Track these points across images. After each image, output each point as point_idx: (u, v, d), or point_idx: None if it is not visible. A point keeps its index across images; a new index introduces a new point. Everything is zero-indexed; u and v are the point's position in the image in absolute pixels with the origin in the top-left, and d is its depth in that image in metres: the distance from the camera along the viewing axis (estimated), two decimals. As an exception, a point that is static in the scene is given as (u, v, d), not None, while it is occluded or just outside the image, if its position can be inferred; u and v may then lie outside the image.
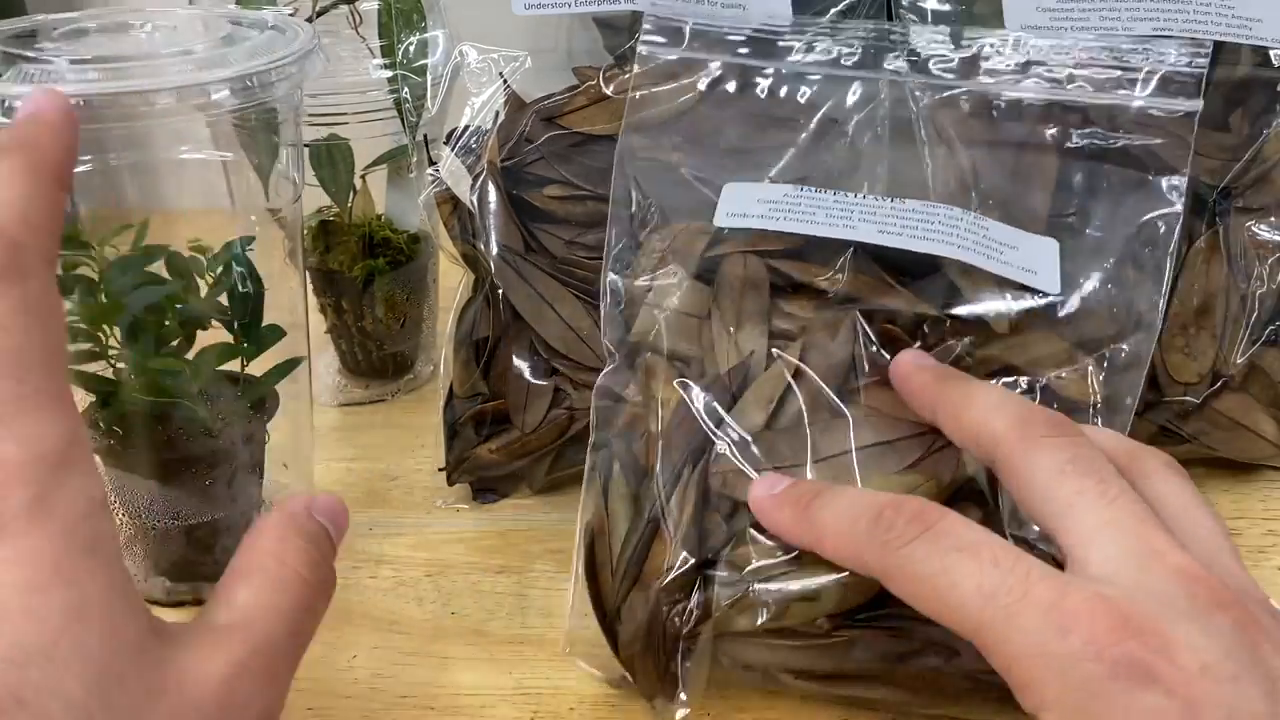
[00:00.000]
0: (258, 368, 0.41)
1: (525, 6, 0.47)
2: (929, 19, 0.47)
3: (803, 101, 0.43)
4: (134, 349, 0.38)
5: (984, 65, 0.41)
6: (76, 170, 0.32)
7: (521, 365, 0.46)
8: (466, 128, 0.47)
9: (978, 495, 0.35)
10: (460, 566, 0.44)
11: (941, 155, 0.41)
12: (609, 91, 0.46)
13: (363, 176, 0.53)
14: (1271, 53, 0.44)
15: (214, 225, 0.40)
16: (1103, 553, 0.27)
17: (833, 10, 0.47)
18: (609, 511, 0.36)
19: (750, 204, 0.40)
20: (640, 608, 0.34)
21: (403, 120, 0.50)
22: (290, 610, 0.29)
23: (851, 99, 0.43)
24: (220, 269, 0.40)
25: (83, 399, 0.39)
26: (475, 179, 0.46)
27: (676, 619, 0.33)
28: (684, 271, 0.39)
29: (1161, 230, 0.38)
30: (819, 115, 0.43)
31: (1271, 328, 0.45)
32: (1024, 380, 0.37)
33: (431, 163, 0.47)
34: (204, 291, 0.40)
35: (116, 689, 0.24)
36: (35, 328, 0.24)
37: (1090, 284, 0.38)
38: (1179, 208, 0.38)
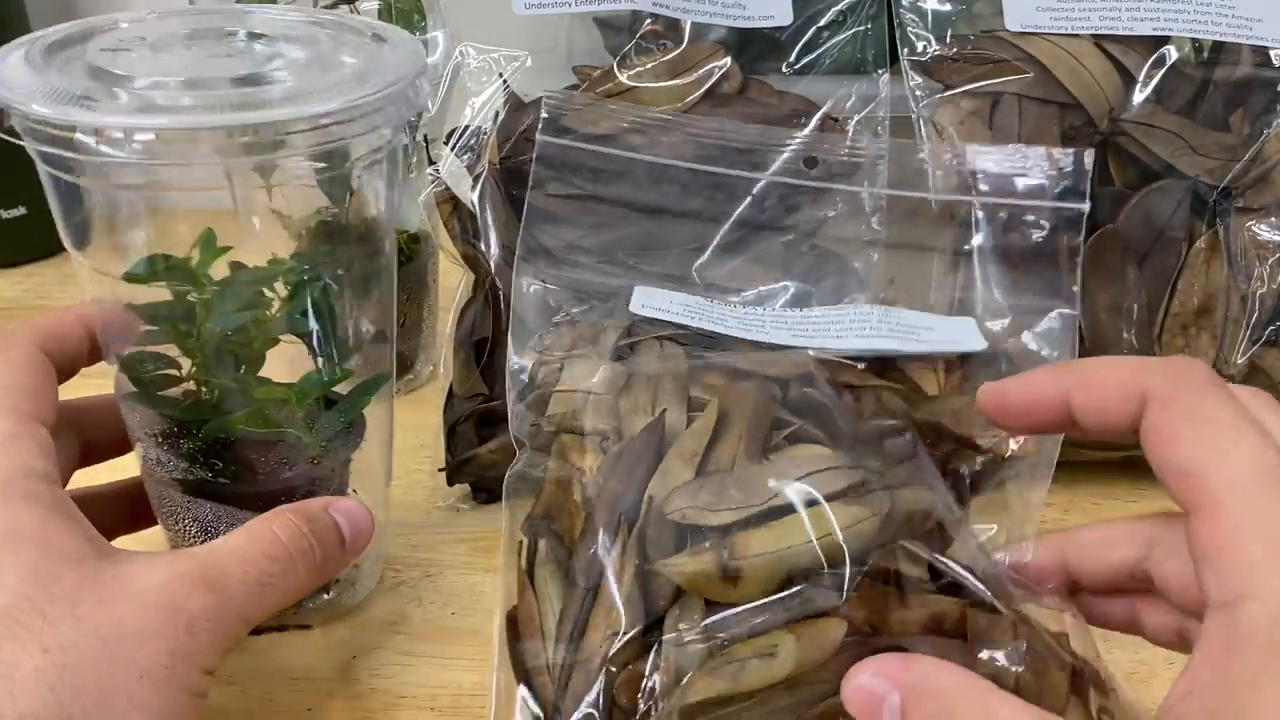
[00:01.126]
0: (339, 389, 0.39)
1: (525, 6, 0.47)
2: (929, 19, 0.47)
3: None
4: (220, 375, 0.36)
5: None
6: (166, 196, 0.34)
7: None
8: (466, 127, 0.47)
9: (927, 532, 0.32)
10: (460, 566, 0.44)
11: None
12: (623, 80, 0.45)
13: (359, 175, 0.53)
14: (1271, 52, 0.44)
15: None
16: None
17: (832, 10, 0.47)
18: (537, 591, 0.33)
19: (664, 302, 0.40)
20: (584, 684, 0.30)
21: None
22: (254, 557, 0.32)
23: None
24: (294, 284, 0.37)
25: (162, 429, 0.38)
26: (475, 179, 0.46)
27: (629, 689, 0.30)
28: (597, 354, 0.38)
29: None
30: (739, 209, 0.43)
31: (1272, 328, 0.45)
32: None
33: (431, 163, 0.47)
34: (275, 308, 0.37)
35: (52, 582, 0.29)
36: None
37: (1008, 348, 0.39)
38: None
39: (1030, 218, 0.40)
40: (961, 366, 0.38)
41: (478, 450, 0.46)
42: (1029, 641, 0.29)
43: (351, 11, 0.51)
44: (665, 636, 0.30)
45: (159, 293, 0.36)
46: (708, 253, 0.43)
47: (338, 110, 0.32)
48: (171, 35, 0.36)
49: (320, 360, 0.38)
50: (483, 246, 0.45)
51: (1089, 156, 0.39)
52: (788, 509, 0.30)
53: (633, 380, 0.36)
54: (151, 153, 0.31)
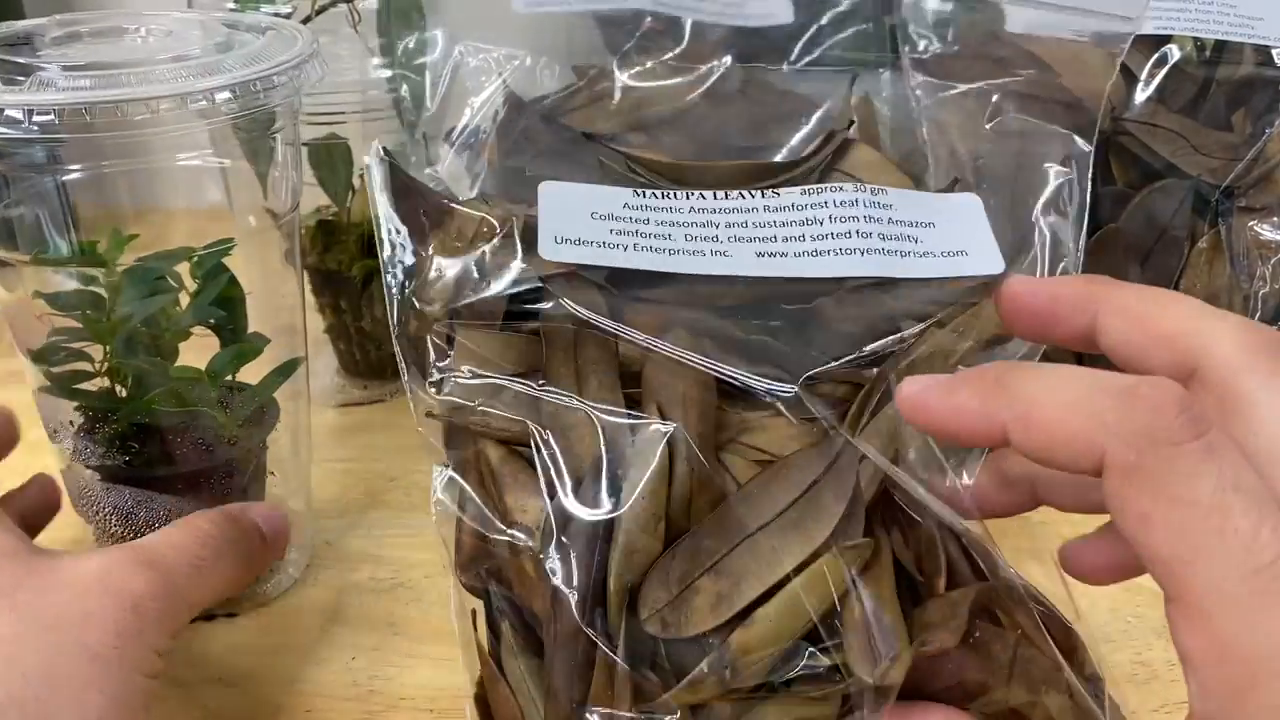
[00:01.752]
0: (253, 375, 0.40)
1: (525, 5, 0.47)
2: (929, 19, 0.47)
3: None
4: (131, 362, 0.37)
5: None
6: (71, 178, 0.35)
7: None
8: (466, 127, 0.47)
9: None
10: (460, 567, 0.44)
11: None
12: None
13: (361, 176, 0.53)
14: (1273, 52, 0.44)
15: (211, 226, 0.39)
16: None
17: (831, 11, 0.47)
18: (510, 681, 0.29)
19: (582, 221, 0.30)
20: None
21: (401, 119, 0.50)
22: (186, 543, 0.34)
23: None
24: (203, 276, 0.38)
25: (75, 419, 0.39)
26: (474, 179, 0.46)
27: None
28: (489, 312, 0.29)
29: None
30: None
31: (1274, 328, 0.45)
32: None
33: (431, 162, 0.47)
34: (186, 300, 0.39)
35: None
36: None
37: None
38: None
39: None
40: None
41: (477, 450, 0.46)
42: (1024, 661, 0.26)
43: (350, 11, 0.50)
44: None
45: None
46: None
47: (209, 88, 0.34)
48: (73, 34, 0.39)
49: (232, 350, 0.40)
50: (482, 246, 0.45)
51: None
52: (783, 580, 0.26)
53: (549, 368, 0.28)
54: (50, 131, 0.32)
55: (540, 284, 0.28)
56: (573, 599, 0.26)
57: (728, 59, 0.45)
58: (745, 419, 0.28)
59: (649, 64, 0.45)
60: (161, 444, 0.39)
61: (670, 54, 0.46)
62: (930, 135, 0.45)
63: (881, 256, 0.29)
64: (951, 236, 0.30)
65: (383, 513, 0.47)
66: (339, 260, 0.53)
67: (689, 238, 0.29)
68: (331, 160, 0.51)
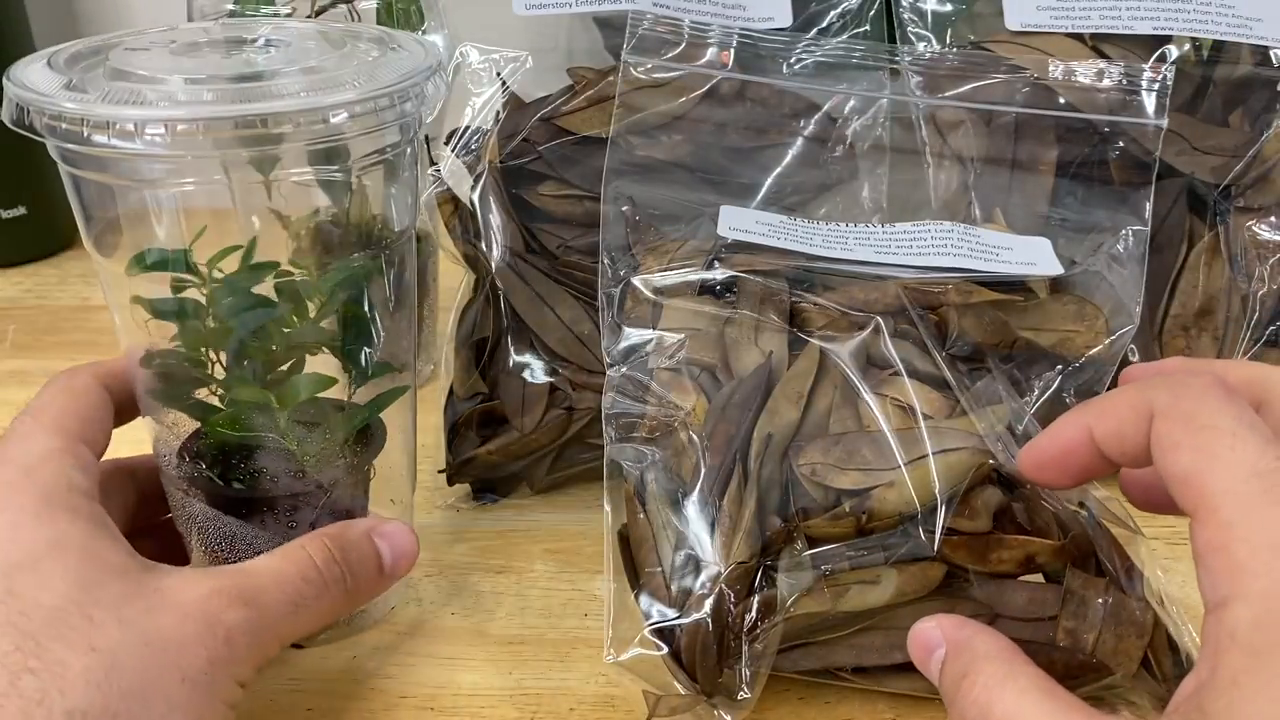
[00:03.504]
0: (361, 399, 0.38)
1: (526, 6, 0.47)
2: (929, 19, 0.47)
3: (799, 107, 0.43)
4: (236, 376, 0.36)
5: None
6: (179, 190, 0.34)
7: (521, 366, 0.46)
8: (467, 128, 0.47)
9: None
10: (460, 566, 0.44)
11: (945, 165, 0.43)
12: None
13: (359, 176, 0.53)
14: (1271, 52, 0.44)
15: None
16: None
17: (831, 13, 0.47)
18: (649, 518, 0.36)
19: (749, 223, 0.41)
20: (699, 608, 0.34)
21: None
22: (288, 578, 0.34)
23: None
24: (329, 292, 0.36)
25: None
26: (476, 179, 0.46)
27: (739, 615, 0.34)
28: (690, 282, 0.40)
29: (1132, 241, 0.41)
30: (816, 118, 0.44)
31: (1272, 328, 0.45)
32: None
33: (432, 163, 0.47)
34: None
35: (98, 588, 0.31)
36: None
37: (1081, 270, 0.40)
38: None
39: (1106, 132, 0.42)
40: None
41: (478, 450, 0.46)
42: (1116, 606, 0.33)
43: (350, 11, 0.51)
44: (780, 562, 0.34)
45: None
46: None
47: (341, 103, 0.32)
48: (190, 43, 0.37)
49: (352, 374, 0.38)
50: (483, 246, 0.45)
51: (1170, 73, 0.40)
52: (911, 465, 0.34)
53: (734, 317, 0.39)
54: (161, 147, 0.31)
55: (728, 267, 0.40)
56: (724, 449, 0.35)
57: (728, 60, 0.45)
58: (883, 377, 0.37)
59: (649, 65, 0.45)
60: (256, 467, 0.37)
61: (670, 55, 0.46)
62: (930, 136, 0.45)
63: (969, 258, 0.39)
64: (1025, 255, 0.40)
65: (383, 512, 0.47)
66: (338, 259, 0.53)
67: (824, 241, 0.41)
68: (331, 160, 0.51)
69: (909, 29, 0.47)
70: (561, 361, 0.45)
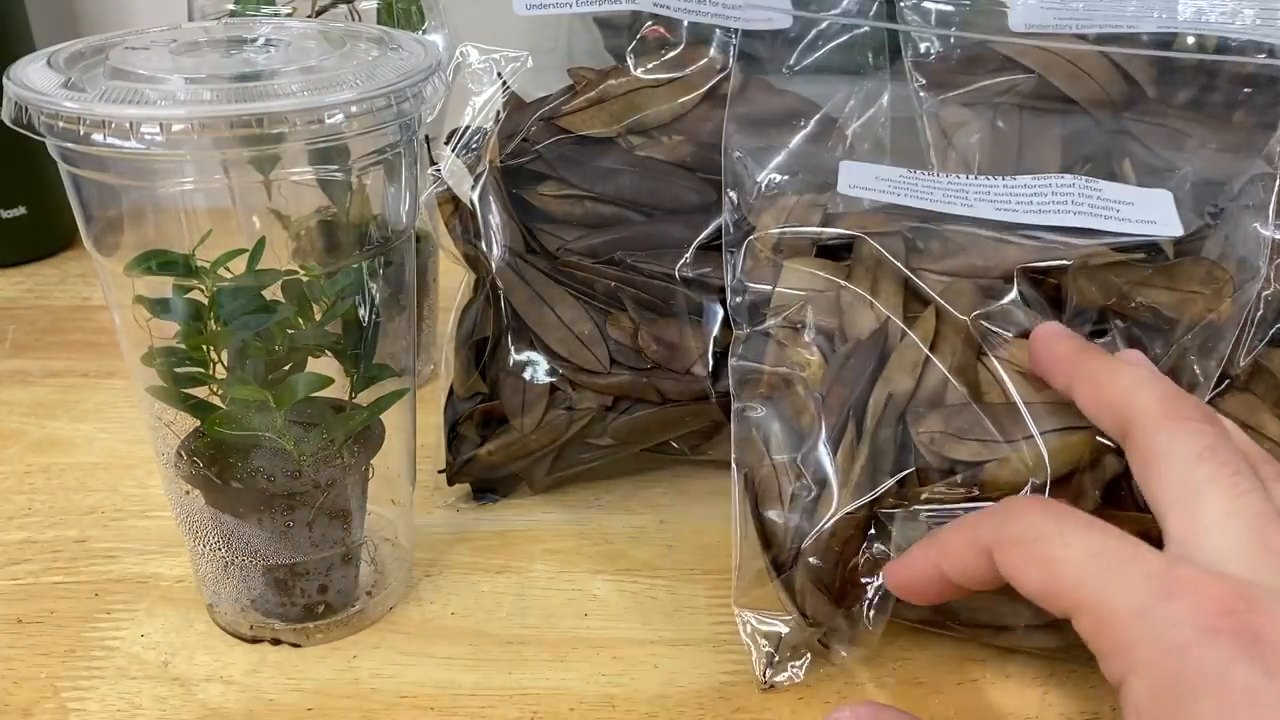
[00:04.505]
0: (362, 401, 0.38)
1: (526, 6, 0.47)
2: (931, 19, 0.47)
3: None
4: (237, 377, 0.36)
5: None
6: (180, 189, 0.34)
7: (521, 366, 0.46)
8: (467, 128, 0.47)
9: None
10: (460, 566, 0.44)
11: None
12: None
13: (358, 176, 0.53)
14: (1276, 50, 0.44)
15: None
16: (1219, 540, 0.27)
17: (831, 13, 0.47)
18: (775, 466, 0.38)
19: (869, 179, 0.41)
20: (816, 554, 0.36)
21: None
22: None
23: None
24: (335, 295, 0.37)
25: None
26: (476, 179, 0.46)
27: (854, 561, 0.36)
28: (807, 243, 0.41)
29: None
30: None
31: (1277, 327, 0.45)
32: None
33: (432, 163, 0.47)
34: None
35: None
36: None
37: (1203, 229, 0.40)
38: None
39: (1233, 74, 0.41)
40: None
41: (478, 450, 0.46)
42: None
43: (350, 11, 0.50)
44: (896, 513, 0.36)
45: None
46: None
47: (340, 103, 0.32)
48: (190, 43, 0.37)
49: (354, 376, 0.38)
50: (483, 246, 0.45)
51: None
52: (1027, 443, 0.35)
53: (852, 279, 0.40)
54: (160, 146, 0.31)
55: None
56: (838, 409, 0.37)
57: (728, 60, 0.45)
58: (1004, 337, 0.38)
59: (649, 66, 0.45)
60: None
61: (669, 56, 0.46)
62: (933, 136, 0.45)
63: (1089, 216, 0.39)
64: (1146, 212, 0.39)
65: (383, 512, 0.47)
66: (339, 260, 0.53)
67: (945, 196, 0.40)
68: (330, 160, 0.51)
69: (910, 30, 0.47)
70: (562, 362, 0.45)
